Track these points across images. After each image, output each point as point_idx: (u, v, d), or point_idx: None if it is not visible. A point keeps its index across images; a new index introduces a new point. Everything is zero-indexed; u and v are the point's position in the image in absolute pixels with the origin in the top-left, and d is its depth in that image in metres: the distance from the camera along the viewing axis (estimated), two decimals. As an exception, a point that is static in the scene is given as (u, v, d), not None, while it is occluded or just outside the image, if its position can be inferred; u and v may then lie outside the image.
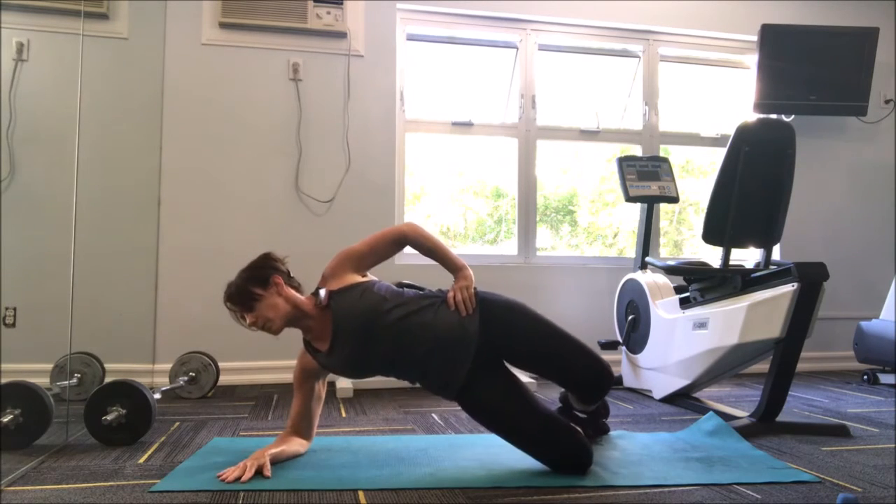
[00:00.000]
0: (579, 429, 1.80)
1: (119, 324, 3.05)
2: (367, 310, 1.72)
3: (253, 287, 1.74)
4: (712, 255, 2.64)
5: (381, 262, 1.87)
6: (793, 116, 3.57)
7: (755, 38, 3.49)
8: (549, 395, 2.77)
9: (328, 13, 3.31)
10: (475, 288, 1.78)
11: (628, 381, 3.11)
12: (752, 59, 3.63)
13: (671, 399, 2.76)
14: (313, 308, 1.78)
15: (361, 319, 1.72)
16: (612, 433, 2.15)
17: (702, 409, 2.53)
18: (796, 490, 1.59)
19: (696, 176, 4.23)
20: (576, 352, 1.74)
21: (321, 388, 1.91)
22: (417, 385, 1.85)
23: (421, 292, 1.84)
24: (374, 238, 1.86)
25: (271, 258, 1.84)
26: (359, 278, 1.82)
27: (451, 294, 1.76)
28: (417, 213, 3.78)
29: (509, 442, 1.75)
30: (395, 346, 1.72)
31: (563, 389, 2.01)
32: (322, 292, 1.78)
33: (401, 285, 1.87)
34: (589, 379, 1.76)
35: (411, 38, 3.62)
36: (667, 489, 1.60)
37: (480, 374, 1.73)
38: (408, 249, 1.89)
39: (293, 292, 1.79)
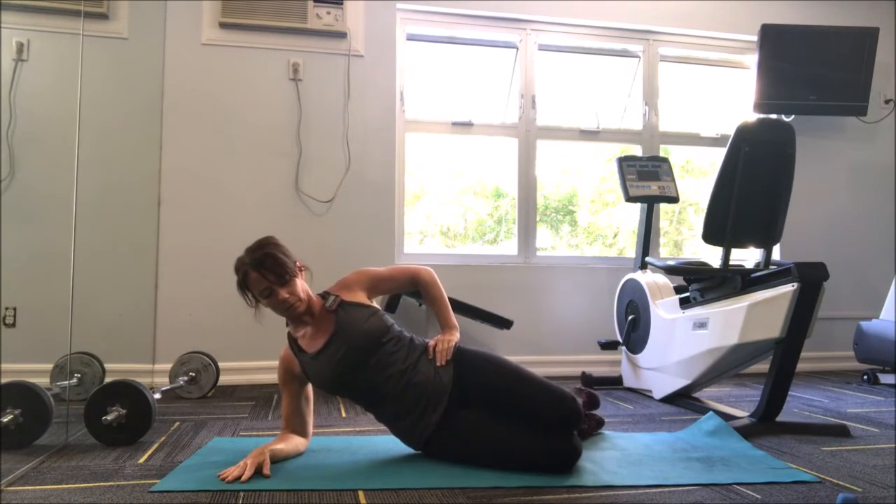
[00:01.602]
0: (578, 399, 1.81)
1: (119, 324, 3.05)
2: (370, 332, 1.78)
3: (290, 262, 1.76)
4: (712, 255, 2.64)
5: (391, 293, 1.92)
6: (793, 116, 3.57)
7: (755, 38, 3.49)
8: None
9: (328, 13, 3.31)
10: (459, 345, 1.87)
11: (628, 381, 3.11)
12: (752, 59, 3.63)
13: (671, 399, 2.76)
14: (320, 308, 1.80)
15: (363, 338, 1.77)
16: (612, 433, 2.15)
17: (702, 409, 2.53)
18: (796, 490, 1.59)
19: (696, 176, 4.23)
20: (540, 391, 1.73)
21: (308, 388, 1.92)
22: (381, 423, 1.88)
23: (411, 336, 1.89)
24: (395, 268, 1.99)
25: (279, 241, 1.84)
26: (369, 302, 1.88)
27: (431, 343, 1.85)
28: (417, 213, 3.78)
29: (492, 468, 1.71)
30: (377, 375, 1.76)
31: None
32: (333, 297, 1.82)
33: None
34: (553, 417, 1.70)
35: (411, 38, 3.62)
36: (667, 489, 1.60)
37: (450, 423, 1.75)
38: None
39: (305, 283, 1.83)
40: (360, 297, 1.86)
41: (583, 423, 2.03)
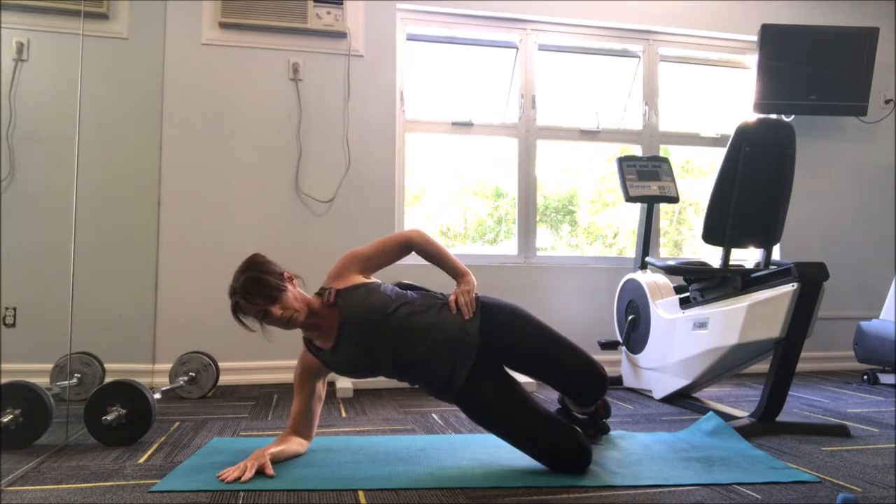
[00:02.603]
0: (578, 429, 1.81)
1: (119, 324, 3.05)
2: (373, 308, 1.75)
3: (275, 279, 1.74)
4: (712, 255, 2.64)
5: (386, 266, 1.89)
6: (793, 116, 3.56)
7: (755, 38, 3.49)
8: (549, 396, 2.77)
9: (328, 13, 3.31)
10: (476, 293, 1.81)
11: (628, 381, 3.11)
12: (752, 59, 3.63)
13: (671, 399, 2.76)
14: (320, 306, 1.80)
15: (368, 317, 1.74)
16: (612, 433, 2.15)
17: (702, 409, 2.53)
18: (796, 490, 1.59)
19: (696, 176, 4.23)
20: (571, 355, 1.75)
21: (322, 388, 1.92)
22: (417, 387, 1.85)
23: (425, 293, 1.86)
24: (381, 241, 1.90)
25: (263, 257, 1.82)
26: (364, 279, 1.85)
27: (452, 297, 1.79)
28: (417, 213, 3.78)
29: (508, 441, 1.75)
30: (398, 346, 1.74)
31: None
32: (328, 291, 1.80)
33: (402, 286, 1.88)
34: (583, 382, 1.76)
35: (411, 38, 3.62)
36: (667, 489, 1.60)
37: (479, 376, 1.74)
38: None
39: (299, 289, 1.81)
40: (356, 280, 1.83)
41: (590, 428, 2.04)
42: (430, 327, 1.74)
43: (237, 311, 1.72)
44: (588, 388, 1.77)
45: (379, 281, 1.87)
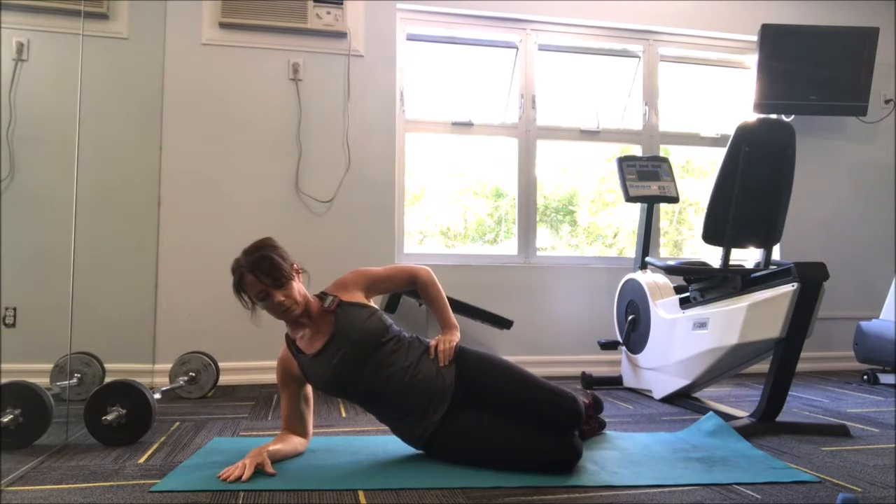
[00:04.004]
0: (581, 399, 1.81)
1: (119, 324, 3.05)
2: (370, 332, 1.77)
3: (286, 265, 1.74)
4: (712, 255, 2.64)
5: (389, 293, 1.90)
6: (793, 116, 3.56)
7: (755, 38, 3.49)
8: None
9: (328, 13, 3.31)
10: (459, 344, 1.86)
11: (628, 381, 3.11)
12: (752, 59, 3.63)
13: (671, 399, 2.76)
14: (318, 309, 1.79)
15: (362, 338, 1.76)
16: (612, 433, 2.15)
17: (702, 409, 2.53)
18: (796, 490, 1.59)
19: (696, 176, 4.23)
20: (539, 390, 1.74)
21: (308, 388, 1.91)
22: (381, 421, 1.87)
23: (412, 336, 1.88)
24: (393, 268, 1.96)
25: (276, 242, 1.82)
26: (367, 301, 1.87)
27: (433, 343, 1.84)
28: (417, 213, 3.78)
29: (492, 467, 1.71)
30: (375, 378, 1.76)
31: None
32: (331, 297, 1.81)
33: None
34: (557, 417, 1.71)
35: (411, 38, 3.62)
36: (667, 489, 1.60)
37: (451, 421, 1.75)
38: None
39: (302, 285, 1.82)
40: (358, 298, 1.85)
41: (584, 424, 2.03)
42: (409, 368, 1.76)
43: (240, 285, 1.73)
44: (562, 422, 1.72)
45: (377, 308, 1.89)
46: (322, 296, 1.84)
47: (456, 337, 1.88)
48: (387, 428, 1.89)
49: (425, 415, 1.75)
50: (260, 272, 1.70)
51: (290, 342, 1.86)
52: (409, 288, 1.97)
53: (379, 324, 1.80)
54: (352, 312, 1.80)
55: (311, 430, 1.92)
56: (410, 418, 1.77)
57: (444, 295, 1.95)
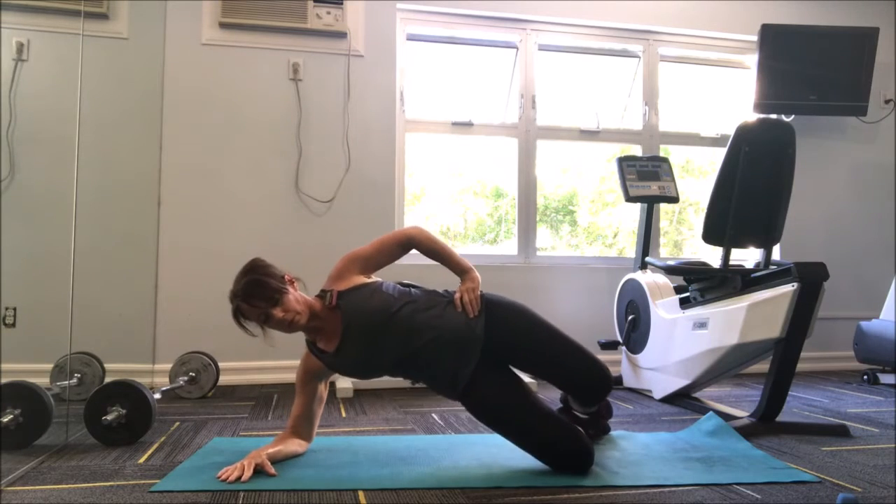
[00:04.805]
0: (580, 429, 1.80)
1: (119, 324, 3.05)
2: (377, 309, 1.74)
3: (275, 281, 1.73)
4: (712, 255, 2.64)
5: (387, 265, 1.88)
6: (793, 116, 3.57)
7: (755, 38, 3.49)
8: (550, 396, 2.77)
9: (328, 13, 3.31)
10: (481, 290, 1.81)
11: (628, 381, 3.11)
12: (752, 59, 3.63)
13: (671, 399, 2.76)
14: (322, 308, 1.79)
15: (372, 318, 1.73)
16: (613, 433, 2.15)
17: (702, 409, 2.53)
18: (796, 490, 1.59)
19: (696, 176, 4.23)
20: (575, 355, 1.75)
21: (324, 390, 1.91)
22: (420, 385, 1.85)
23: (428, 291, 1.85)
24: (381, 240, 1.89)
25: (263, 261, 1.80)
26: (365, 279, 1.84)
27: (457, 295, 1.79)
28: (417, 213, 3.78)
29: (511, 440, 1.75)
30: (403, 345, 1.74)
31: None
32: (329, 293, 1.79)
33: (404, 285, 1.88)
34: (587, 383, 1.77)
35: (411, 38, 3.62)
36: (667, 489, 1.60)
37: (484, 374, 1.74)
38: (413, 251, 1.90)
39: (299, 292, 1.80)
40: (357, 280, 1.82)
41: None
42: (434, 325, 1.73)
43: (238, 315, 1.71)
44: (591, 389, 1.78)
45: (380, 280, 1.87)
46: (322, 294, 1.83)
47: (477, 281, 1.81)
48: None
49: (458, 368, 1.72)
50: (252, 298, 1.68)
51: (311, 345, 1.85)
52: (406, 252, 1.90)
53: (383, 297, 1.76)
54: (353, 298, 1.77)
55: (314, 433, 1.91)
56: (446, 377, 1.75)
57: (445, 245, 1.87)
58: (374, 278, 1.88)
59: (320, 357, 1.82)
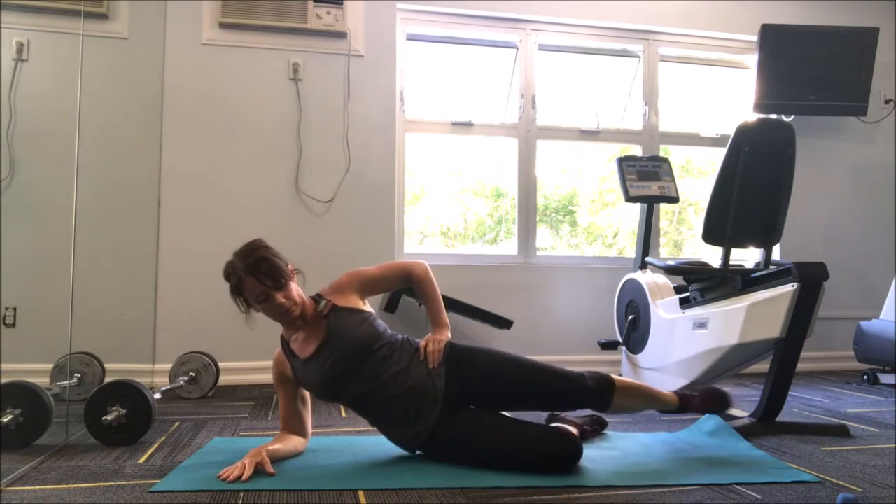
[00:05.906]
0: (566, 427, 1.81)
1: (119, 324, 3.05)
2: (361, 339, 1.75)
3: (284, 266, 1.73)
4: (712, 255, 2.64)
5: (384, 292, 1.88)
6: (793, 116, 3.56)
7: (755, 38, 3.49)
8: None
9: (328, 13, 3.31)
10: (451, 342, 1.82)
11: (628, 381, 3.11)
12: (752, 59, 3.63)
13: (671, 399, 2.76)
14: (312, 312, 1.79)
15: (353, 346, 1.74)
16: (612, 433, 2.15)
17: (702, 409, 2.53)
18: (796, 490, 1.59)
19: (696, 176, 4.23)
20: (550, 375, 1.75)
21: (304, 389, 1.91)
22: (374, 427, 1.87)
23: (403, 338, 1.85)
24: (387, 266, 1.92)
25: (267, 243, 1.80)
26: (362, 305, 1.85)
27: (422, 343, 1.81)
28: (417, 213, 3.78)
29: (496, 461, 1.71)
30: (367, 385, 1.74)
31: None
32: (325, 301, 1.79)
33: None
34: (573, 397, 1.76)
35: (411, 38, 3.62)
36: (667, 489, 1.60)
37: (445, 422, 1.73)
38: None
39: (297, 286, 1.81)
40: (353, 301, 1.83)
41: (587, 427, 2.04)
42: (400, 373, 1.74)
43: (239, 289, 1.70)
44: (582, 401, 1.77)
45: (373, 312, 1.87)
46: (317, 298, 1.82)
47: (445, 336, 1.83)
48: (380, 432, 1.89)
49: (418, 419, 1.74)
50: (260, 274, 1.68)
51: (285, 344, 1.85)
52: (405, 285, 1.93)
53: (371, 331, 1.78)
54: (344, 318, 1.78)
55: (309, 429, 1.91)
56: (403, 423, 1.76)
57: (437, 291, 1.90)
58: (368, 307, 1.88)
59: (289, 358, 1.82)
